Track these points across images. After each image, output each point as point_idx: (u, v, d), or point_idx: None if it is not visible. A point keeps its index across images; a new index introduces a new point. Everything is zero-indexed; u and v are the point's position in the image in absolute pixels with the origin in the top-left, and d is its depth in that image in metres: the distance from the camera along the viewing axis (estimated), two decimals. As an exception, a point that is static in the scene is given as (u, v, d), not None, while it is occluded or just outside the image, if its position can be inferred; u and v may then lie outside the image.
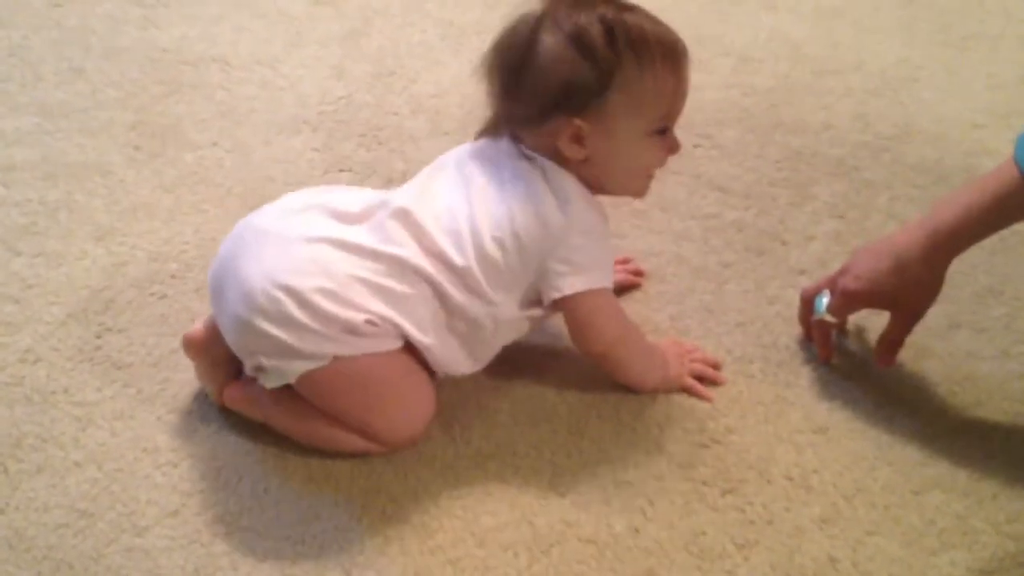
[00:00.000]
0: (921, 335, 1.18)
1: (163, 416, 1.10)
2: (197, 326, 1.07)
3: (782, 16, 1.78)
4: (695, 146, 1.46)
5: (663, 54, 0.99)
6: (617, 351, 1.08)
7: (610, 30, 0.97)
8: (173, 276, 1.26)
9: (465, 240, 1.00)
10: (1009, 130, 1.49)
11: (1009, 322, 1.21)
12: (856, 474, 1.04)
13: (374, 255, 0.99)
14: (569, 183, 1.02)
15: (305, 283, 0.96)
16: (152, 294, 1.23)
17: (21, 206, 1.36)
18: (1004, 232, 1.05)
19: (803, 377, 1.14)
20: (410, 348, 1.02)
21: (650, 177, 1.07)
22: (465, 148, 1.08)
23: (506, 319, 1.03)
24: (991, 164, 1.42)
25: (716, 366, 1.15)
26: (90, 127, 1.51)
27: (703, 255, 1.30)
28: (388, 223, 1.01)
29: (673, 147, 1.04)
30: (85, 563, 0.97)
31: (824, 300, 1.12)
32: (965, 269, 1.25)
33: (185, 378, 1.12)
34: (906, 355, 1.16)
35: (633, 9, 1.01)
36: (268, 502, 1.02)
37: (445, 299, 1.00)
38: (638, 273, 1.25)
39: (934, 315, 1.19)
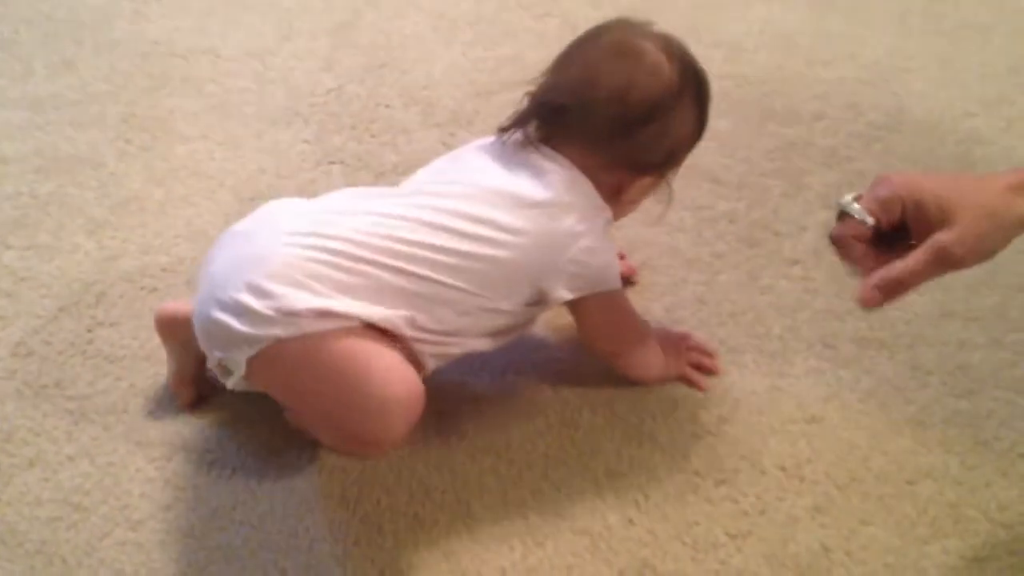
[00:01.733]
0: (913, 324, 1.18)
1: (155, 410, 1.09)
2: (169, 303, 1.08)
3: (774, 6, 1.78)
4: (688, 137, 1.46)
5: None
6: (630, 349, 1.09)
7: (706, 104, 1.04)
8: (164, 269, 1.25)
9: (479, 228, 0.96)
10: (1001, 119, 1.49)
11: (1001, 311, 1.21)
12: (849, 464, 1.05)
13: (347, 245, 0.94)
14: (594, 195, 1.01)
15: (262, 270, 0.92)
16: (143, 287, 1.23)
17: (12, 199, 1.36)
18: (996, 222, 1.02)
19: (796, 367, 1.14)
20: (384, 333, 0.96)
21: None
22: (485, 143, 1.05)
23: (505, 311, 1.01)
24: (983, 153, 1.44)
25: (711, 354, 1.15)
26: (81, 120, 1.50)
27: (696, 246, 1.30)
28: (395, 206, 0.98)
29: None
30: (78, 557, 0.97)
31: (850, 194, 0.87)
32: (957, 259, 1.25)
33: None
34: (898, 344, 1.16)
35: None
36: (262, 495, 1.02)
37: (437, 288, 0.96)
38: (630, 270, 1.25)
39: (925, 304, 1.20)
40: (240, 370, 0.95)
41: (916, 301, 1.21)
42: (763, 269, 1.26)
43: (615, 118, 0.99)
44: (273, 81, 1.59)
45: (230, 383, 0.98)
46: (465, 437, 1.07)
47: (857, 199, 0.85)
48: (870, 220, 0.83)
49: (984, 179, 0.81)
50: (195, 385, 1.09)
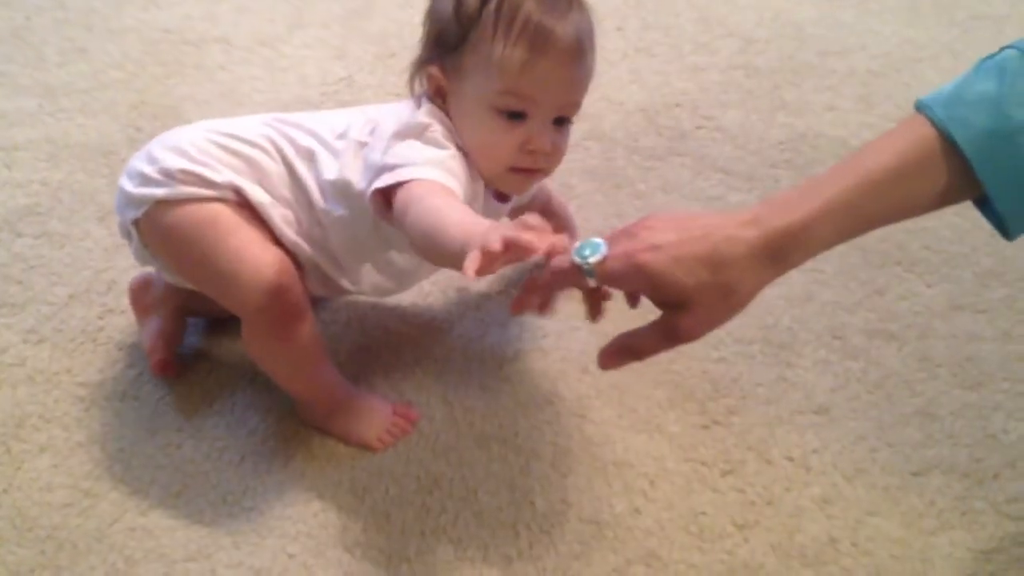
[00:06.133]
0: (922, 316, 1.18)
1: (166, 397, 1.10)
2: (137, 274, 1.15)
3: (786, -4, 1.77)
4: (698, 128, 1.46)
5: (523, 28, 0.92)
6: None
7: None
8: (175, 257, 1.26)
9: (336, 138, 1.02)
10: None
11: (1011, 303, 1.21)
12: (856, 455, 1.05)
13: (235, 138, 1.00)
14: (444, 135, 0.97)
15: (164, 144, 1.00)
16: (154, 275, 1.23)
17: (23, 187, 1.36)
18: (732, 301, 0.90)
19: (804, 358, 1.15)
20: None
21: (509, 168, 0.97)
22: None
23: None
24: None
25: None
26: (92, 108, 1.51)
27: (705, 236, 1.29)
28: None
29: (527, 141, 0.95)
30: (88, 542, 0.97)
31: (597, 253, 0.78)
32: (967, 251, 1.25)
33: (188, 359, 1.13)
34: (907, 335, 1.16)
35: None
36: (271, 482, 1.02)
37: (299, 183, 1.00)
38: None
39: (934, 296, 1.19)
40: (133, 235, 1.01)
41: (925, 293, 1.21)
42: (772, 260, 1.26)
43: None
44: (284, 69, 1.59)
45: (132, 252, 1.05)
46: (473, 426, 1.07)
47: (598, 260, 0.78)
48: (593, 284, 0.80)
49: (724, 235, 0.78)
50: (168, 348, 1.12)
